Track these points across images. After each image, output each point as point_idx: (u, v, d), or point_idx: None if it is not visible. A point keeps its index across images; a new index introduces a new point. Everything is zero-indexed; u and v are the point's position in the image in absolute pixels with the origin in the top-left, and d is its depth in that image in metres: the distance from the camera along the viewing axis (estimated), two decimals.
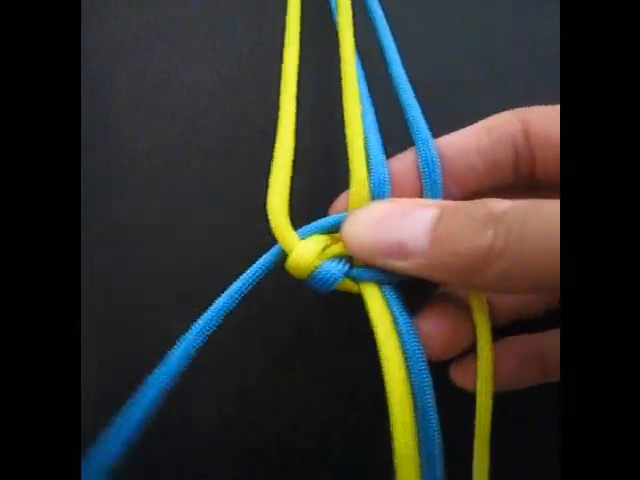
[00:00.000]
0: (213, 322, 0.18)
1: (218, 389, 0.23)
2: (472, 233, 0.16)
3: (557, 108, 0.19)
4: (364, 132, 0.19)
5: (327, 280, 0.18)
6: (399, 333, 0.18)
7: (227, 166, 0.24)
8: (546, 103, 0.23)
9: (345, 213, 0.19)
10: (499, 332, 0.20)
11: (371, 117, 0.20)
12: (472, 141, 0.19)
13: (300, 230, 0.19)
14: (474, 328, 0.19)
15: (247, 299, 0.18)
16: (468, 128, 0.20)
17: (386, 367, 0.17)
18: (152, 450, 0.22)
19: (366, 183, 0.19)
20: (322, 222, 0.19)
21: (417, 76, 0.25)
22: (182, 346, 0.17)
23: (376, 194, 0.19)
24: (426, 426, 0.17)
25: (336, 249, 0.18)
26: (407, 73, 0.21)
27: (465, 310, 0.19)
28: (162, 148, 0.25)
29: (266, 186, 0.24)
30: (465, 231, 0.16)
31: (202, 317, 0.18)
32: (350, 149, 0.19)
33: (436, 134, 0.21)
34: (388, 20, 0.26)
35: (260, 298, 0.22)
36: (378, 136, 0.20)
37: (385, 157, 0.19)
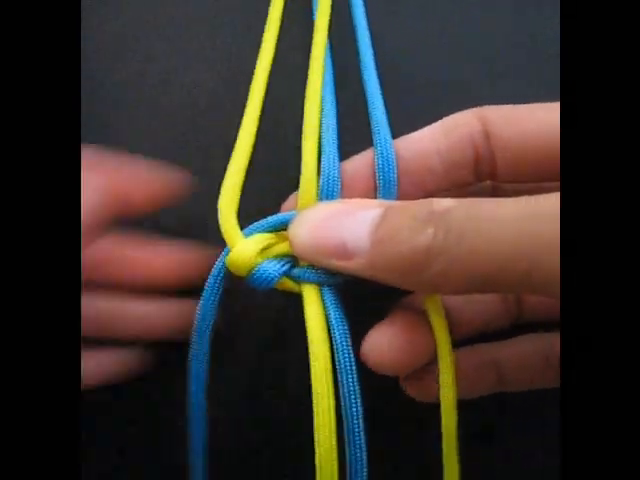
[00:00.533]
0: (202, 339, 0.19)
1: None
2: (413, 233, 0.16)
3: (517, 108, 0.19)
4: (321, 133, 0.19)
5: (264, 279, 0.18)
6: (332, 336, 0.18)
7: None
8: (546, 102, 0.23)
9: (293, 212, 0.19)
10: (459, 344, 0.20)
11: (332, 119, 0.20)
12: (430, 142, 0.19)
13: (246, 229, 0.19)
14: (433, 341, 0.19)
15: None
16: (427, 128, 0.20)
17: (313, 368, 0.17)
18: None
19: (314, 183, 0.19)
20: (269, 220, 0.19)
21: (417, 76, 0.25)
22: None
23: (325, 194, 0.19)
24: (350, 430, 0.17)
25: (281, 248, 0.19)
26: (399, 73, 0.22)
27: (423, 323, 0.19)
28: (162, 148, 0.25)
29: (266, 186, 0.24)
30: (406, 231, 0.16)
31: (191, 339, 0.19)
32: (303, 148, 0.19)
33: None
34: (388, 20, 0.26)
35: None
36: (335, 137, 0.20)
37: (338, 158, 0.19)
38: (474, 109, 0.20)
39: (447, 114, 0.22)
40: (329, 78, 0.21)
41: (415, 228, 0.16)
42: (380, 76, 0.21)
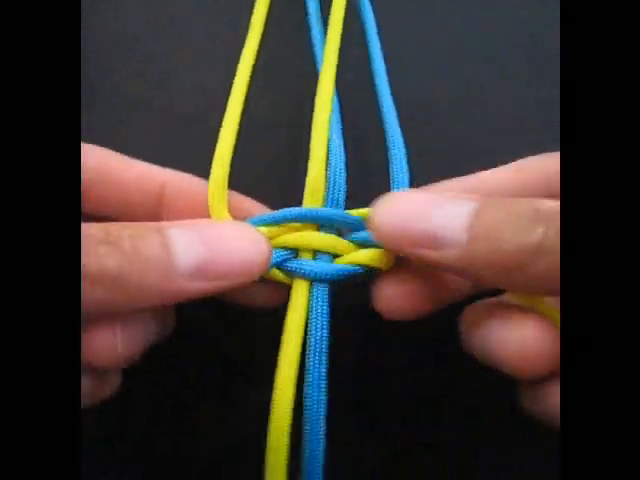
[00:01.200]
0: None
1: None
2: (519, 230, 0.15)
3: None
4: (329, 136, 0.19)
5: None
6: (309, 334, 0.18)
7: (243, 171, 0.24)
8: (546, 102, 0.23)
9: (297, 208, 0.19)
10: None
11: (338, 124, 0.20)
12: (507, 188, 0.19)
13: (250, 219, 0.19)
14: (439, 288, 0.19)
15: None
16: (496, 172, 0.20)
17: (279, 363, 0.17)
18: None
19: (322, 184, 0.19)
20: (274, 214, 0.19)
21: (417, 76, 0.25)
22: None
23: (331, 198, 0.19)
24: (310, 430, 0.17)
25: (283, 239, 0.18)
26: (404, 74, 0.22)
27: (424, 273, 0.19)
28: (162, 148, 0.25)
29: (266, 186, 0.24)
30: (512, 228, 0.16)
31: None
32: (311, 152, 0.19)
33: (434, 134, 0.21)
34: (388, 20, 0.26)
35: None
36: (341, 142, 0.20)
37: (345, 162, 0.19)
38: (552, 154, 0.19)
39: (447, 113, 0.22)
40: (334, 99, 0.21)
41: (523, 226, 0.15)
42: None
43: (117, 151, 0.22)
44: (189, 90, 0.25)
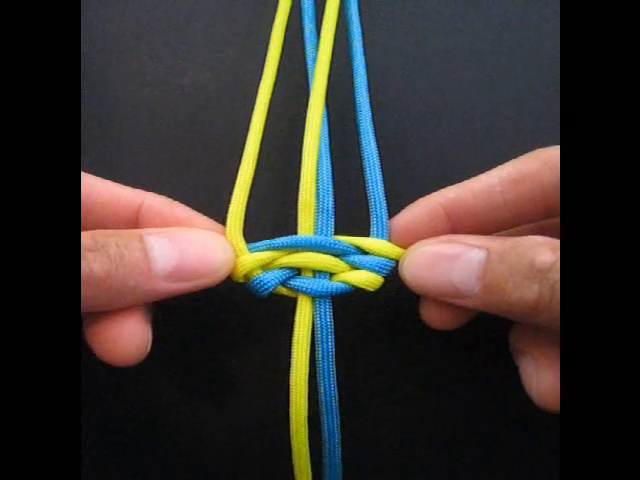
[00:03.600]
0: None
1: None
2: (519, 286, 0.17)
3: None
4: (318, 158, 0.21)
5: (262, 286, 0.21)
6: (317, 345, 0.20)
7: (227, 166, 0.24)
8: (546, 102, 0.23)
9: (294, 236, 0.21)
10: None
11: (326, 148, 0.21)
12: (499, 194, 0.19)
13: (251, 245, 0.21)
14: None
15: None
16: (494, 174, 0.20)
17: (292, 374, 0.20)
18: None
19: (313, 207, 0.21)
20: (273, 242, 0.21)
21: (417, 76, 0.25)
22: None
23: (320, 223, 0.21)
24: (329, 443, 0.21)
25: (284, 260, 0.21)
26: (404, 75, 0.22)
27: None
28: (162, 148, 0.25)
29: (266, 186, 0.24)
30: (512, 281, 0.17)
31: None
32: (302, 177, 0.21)
33: (434, 133, 0.21)
34: (387, 20, 0.26)
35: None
36: (329, 164, 0.21)
37: (332, 186, 0.21)
38: (540, 154, 0.19)
39: (447, 113, 0.22)
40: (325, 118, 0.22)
41: (520, 283, 0.17)
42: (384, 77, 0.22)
43: (117, 151, 0.23)
44: (189, 91, 0.25)
